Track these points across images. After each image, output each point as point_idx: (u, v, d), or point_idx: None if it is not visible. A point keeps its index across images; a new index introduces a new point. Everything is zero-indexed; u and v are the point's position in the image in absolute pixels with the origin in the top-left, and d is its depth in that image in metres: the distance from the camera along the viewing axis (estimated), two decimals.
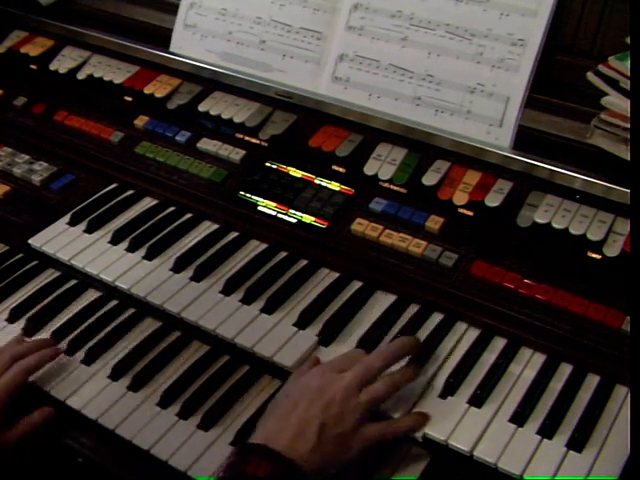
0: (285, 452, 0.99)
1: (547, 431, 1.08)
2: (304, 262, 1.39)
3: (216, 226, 1.47)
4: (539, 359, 1.19)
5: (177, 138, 1.61)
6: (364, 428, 1.06)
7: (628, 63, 1.22)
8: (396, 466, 1.10)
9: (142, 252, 1.42)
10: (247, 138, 1.58)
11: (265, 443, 1.01)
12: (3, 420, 1.18)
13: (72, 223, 1.49)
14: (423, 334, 1.24)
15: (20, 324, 1.35)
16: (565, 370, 1.17)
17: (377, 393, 1.08)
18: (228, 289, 1.33)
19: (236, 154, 1.55)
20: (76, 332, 1.32)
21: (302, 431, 1.03)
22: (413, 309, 1.29)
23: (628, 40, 1.22)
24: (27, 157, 1.66)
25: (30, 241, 1.46)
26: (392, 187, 1.43)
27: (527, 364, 1.19)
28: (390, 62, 1.46)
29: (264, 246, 1.43)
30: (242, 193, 1.48)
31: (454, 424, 1.10)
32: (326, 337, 1.24)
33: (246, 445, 1.04)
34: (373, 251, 1.35)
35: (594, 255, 1.26)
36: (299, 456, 1.00)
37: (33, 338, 1.32)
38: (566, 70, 1.41)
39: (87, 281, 1.42)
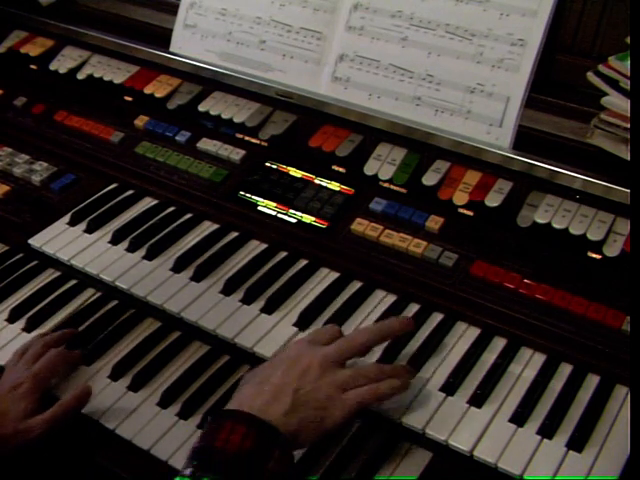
0: (259, 414, 0.99)
1: (547, 431, 1.08)
2: (304, 262, 1.39)
3: (216, 226, 1.48)
4: (539, 359, 1.19)
5: (177, 138, 1.61)
6: (343, 395, 1.05)
7: (628, 63, 1.22)
8: (396, 466, 1.10)
9: (142, 252, 1.42)
10: (247, 138, 1.58)
11: (239, 408, 1.00)
12: (39, 399, 1.18)
13: (72, 223, 1.49)
14: (423, 334, 1.24)
15: (20, 324, 1.35)
16: (565, 370, 1.17)
17: (360, 371, 1.08)
18: (228, 289, 1.33)
19: (236, 154, 1.55)
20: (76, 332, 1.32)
21: (276, 396, 1.03)
22: (413, 309, 1.29)
23: (628, 40, 1.22)
24: (27, 157, 1.66)
25: (30, 241, 1.46)
26: (392, 187, 1.43)
27: (527, 364, 1.19)
28: (390, 62, 1.46)
29: (264, 246, 1.43)
30: (242, 193, 1.48)
31: (454, 424, 1.10)
32: None
33: (219, 412, 1.03)
34: (373, 251, 1.35)
35: (594, 255, 1.26)
36: (274, 419, 1.00)
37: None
38: (566, 70, 1.41)
39: (87, 281, 1.42)
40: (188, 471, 0.94)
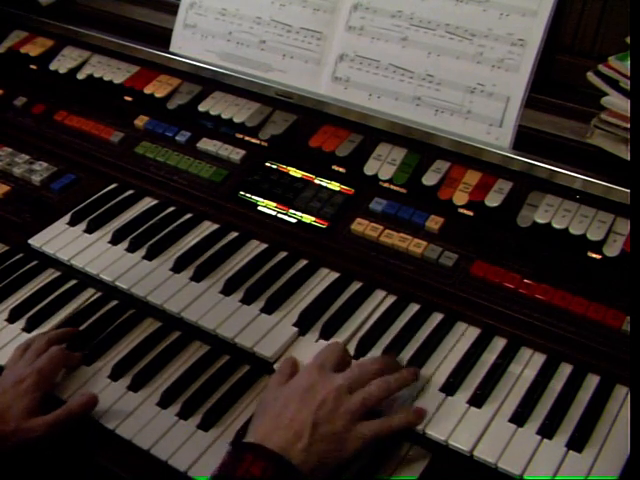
0: (280, 452, 0.99)
1: (547, 431, 1.08)
2: (304, 262, 1.39)
3: (216, 226, 1.47)
4: (539, 359, 1.19)
5: (177, 138, 1.61)
6: (359, 426, 1.06)
7: (628, 63, 1.22)
8: (396, 466, 1.10)
9: (142, 252, 1.42)
10: (247, 138, 1.58)
11: (259, 442, 1.01)
12: (41, 397, 1.18)
13: (72, 223, 1.49)
14: (423, 334, 1.24)
15: (20, 324, 1.35)
16: (565, 370, 1.17)
17: (369, 394, 1.08)
18: (228, 289, 1.33)
19: (236, 154, 1.55)
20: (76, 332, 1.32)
21: (295, 431, 1.03)
22: (413, 309, 1.29)
23: (628, 40, 1.22)
24: (27, 157, 1.66)
25: (30, 241, 1.46)
26: (392, 187, 1.43)
27: (527, 364, 1.19)
28: (390, 62, 1.46)
29: (264, 246, 1.43)
30: (242, 193, 1.48)
31: (454, 424, 1.10)
32: (326, 337, 1.24)
33: (241, 444, 1.04)
34: (373, 251, 1.35)
35: (594, 255, 1.26)
36: (294, 456, 1.00)
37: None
38: (566, 70, 1.41)
39: (87, 281, 1.42)
40: None
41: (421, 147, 1.43)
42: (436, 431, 1.09)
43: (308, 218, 1.42)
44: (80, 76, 1.78)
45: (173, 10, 1.70)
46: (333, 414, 1.05)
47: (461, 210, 1.36)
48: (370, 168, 1.44)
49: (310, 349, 1.21)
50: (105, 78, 1.74)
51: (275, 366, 1.21)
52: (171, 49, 1.70)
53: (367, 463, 1.09)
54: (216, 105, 1.62)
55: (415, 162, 1.43)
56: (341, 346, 1.17)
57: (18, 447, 1.13)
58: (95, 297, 1.40)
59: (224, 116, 1.59)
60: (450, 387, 1.15)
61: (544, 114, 1.39)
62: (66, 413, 1.17)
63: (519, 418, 1.10)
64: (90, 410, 1.18)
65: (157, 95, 1.67)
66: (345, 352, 1.17)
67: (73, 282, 1.43)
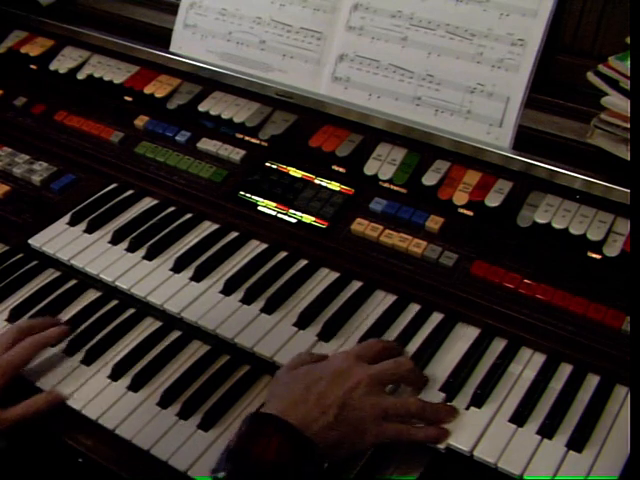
0: (300, 425, 0.99)
1: (547, 431, 1.08)
2: (304, 262, 1.39)
3: (216, 226, 1.48)
4: (539, 359, 1.19)
5: (177, 138, 1.61)
6: (385, 423, 1.05)
7: (628, 63, 1.22)
8: (396, 466, 1.09)
9: (142, 252, 1.42)
10: (247, 138, 1.58)
11: (281, 414, 1.00)
12: (3, 387, 1.17)
13: (72, 223, 1.49)
14: (423, 334, 1.24)
15: None
16: (565, 370, 1.17)
17: (407, 408, 1.07)
18: (228, 289, 1.33)
19: (236, 154, 1.55)
20: (76, 332, 1.32)
21: (321, 407, 1.02)
22: (413, 309, 1.29)
23: (628, 40, 1.22)
24: (27, 157, 1.66)
25: (30, 241, 1.46)
26: (392, 187, 1.43)
27: (527, 364, 1.19)
28: (390, 62, 1.46)
29: (264, 246, 1.43)
30: (242, 193, 1.48)
31: (454, 424, 1.10)
32: (326, 337, 1.24)
33: (259, 416, 1.02)
34: (373, 251, 1.35)
35: (594, 255, 1.26)
36: (315, 432, 0.99)
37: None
38: (566, 70, 1.41)
39: (87, 281, 1.42)
40: (222, 474, 0.95)
41: (421, 147, 1.43)
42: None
43: (308, 218, 1.42)
44: (80, 76, 1.78)
45: (173, 10, 1.70)
46: (363, 401, 1.04)
47: (461, 210, 1.36)
48: (370, 168, 1.44)
49: (310, 349, 1.22)
50: (105, 78, 1.74)
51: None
52: (171, 49, 1.70)
53: (367, 463, 1.08)
54: (216, 105, 1.62)
55: (415, 162, 1.43)
56: (382, 343, 1.16)
57: None
58: (95, 297, 1.39)
59: (224, 116, 1.59)
60: (450, 387, 1.15)
61: (544, 114, 1.39)
62: (32, 410, 1.17)
63: (519, 418, 1.10)
64: (55, 407, 1.18)
65: (157, 95, 1.67)
66: (384, 349, 1.15)
67: (73, 282, 1.43)
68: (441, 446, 1.08)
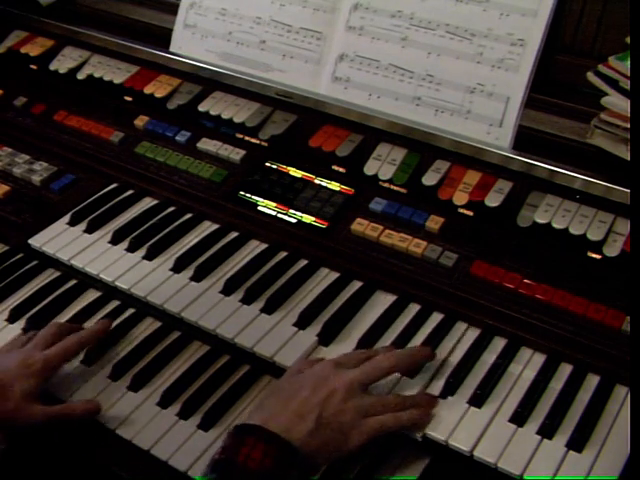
0: (282, 432, 1.00)
1: (547, 431, 1.08)
2: (304, 262, 1.39)
3: (216, 226, 1.48)
4: (539, 359, 1.19)
5: (177, 138, 1.61)
6: (365, 421, 1.06)
7: (628, 63, 1.22)
8: (396, 466, 1.10)
9: (142, 252, 1.42)
10: (247, 138, 1.58)
11: (263, 424, 1.01)
12: (40, 385, 1.17)
13: (72, 223, 1.49)
14: (423, 334, 1.24)
15: (20, 324, 1.35)
16: (565, 370, 1.17)
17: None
18: (228, 289, 1.33)
19: (236, 154, 1.55)
20: None
21: (301, 415, 1.04)
22: (413, 309, 1.29)
23: (628, 40, 1.22)
24: (27, 157, 1.66)
25: (30, 241, 1.46)
26: (392, 187, 1.43)
27: (527, 364, 1.19)
28: (390, 62, 1.46)
29: (264, 246, 1.43)
30: (242, 193, 1.48)
31: (454, 424, 1.10)
32: (326, 337, 1.24)
33: (243, 426, 1.04)
34: (373, 251, 1.35)
35: (594, 255, 1.26)
36: (296, 437, 1.01)
37: None
38: (566, 70, 1.41)
39: (87, 281, 1.42)
40: None
41: (421, 147, 1.43)
42: (436, 431, 1.09)
43: (308, 218, 1.42)
44: (80, 76, 1.78)
45: (173, 10, 1.70)
46: (342, 405, 1.06)
47: (461, 210, 1.36)
48: (370, 168, 1.44)
49: (310, 349, 1.22)
50: (105, 78, 1.74)
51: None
52: (171, 49, 1.70)
53: (367, 463, 1.09)
54: (216, 105, 1.62)
55: (415, 162, 1.43)
56: (364, 355, 1.17)
57: (12, 428, 1.13)
58: (95, 297, 1.40)
59: (224, 116, 1.59)
60: (450, 387, 1.15)
61: (544, 114, 1.39)
62: (68, 411, 1.17)
63: (519, 418, 1.10)
64: (90, 417, 1.18)
65: (157, 95, 1.67)
66: (366, 357, 1.15)
67: (73, 282, 1.43)
68: (418, 434, 1.08)
